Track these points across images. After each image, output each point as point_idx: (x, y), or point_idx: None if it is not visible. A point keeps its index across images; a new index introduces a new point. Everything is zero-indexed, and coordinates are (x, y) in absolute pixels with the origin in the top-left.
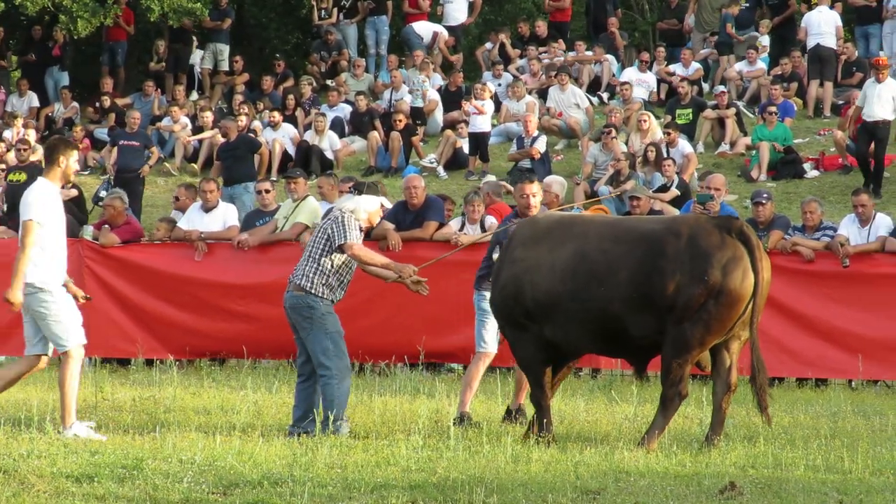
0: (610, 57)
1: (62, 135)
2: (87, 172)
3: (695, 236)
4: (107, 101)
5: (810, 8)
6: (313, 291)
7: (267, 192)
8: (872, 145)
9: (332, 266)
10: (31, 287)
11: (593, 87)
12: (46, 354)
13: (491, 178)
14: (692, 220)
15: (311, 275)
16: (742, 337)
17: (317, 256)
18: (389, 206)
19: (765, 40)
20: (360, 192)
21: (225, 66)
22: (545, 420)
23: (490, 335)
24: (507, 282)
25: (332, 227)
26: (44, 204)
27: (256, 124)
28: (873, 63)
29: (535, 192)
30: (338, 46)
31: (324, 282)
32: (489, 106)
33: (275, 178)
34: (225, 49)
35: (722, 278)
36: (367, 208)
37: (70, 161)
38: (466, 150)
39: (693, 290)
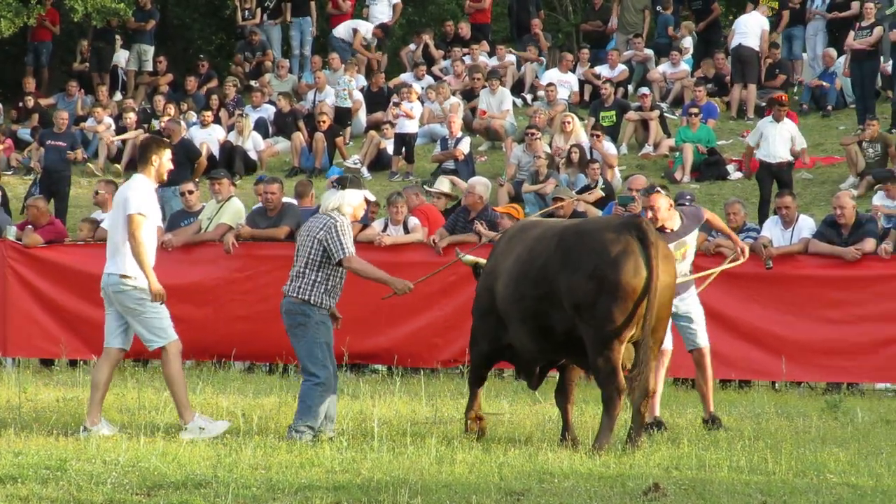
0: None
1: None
2: (10, 172)
3: (593, 232)
4: (30, 102)
5: (736, 15)
6: (313, 301)
7: (190, 192)
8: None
9: (329, 275)
10: (128, 283)
11: (517, 88)
12: (126, 349)
13: (445, 180)
14: (601, 219)
15: (309, 288)
16: (656, 346)
17: (315, 268)
18: (373, 198)
19: (687, 42)
20: (344, 187)
21: (149, 67)
22: (474, 404)
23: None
24: (479, 292)
25: (327, 238)
26: (143, 198)
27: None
28: (775, 99)
29: (660, 205)
30: (262, 47)
31: (323, 290)
32: (417, 108)
33: (197, 180)
34: (149, 50)
35: (612, 272)
36: (352, 202)
37: (163, 159)
38: (391, 150)
39: (586, 285)
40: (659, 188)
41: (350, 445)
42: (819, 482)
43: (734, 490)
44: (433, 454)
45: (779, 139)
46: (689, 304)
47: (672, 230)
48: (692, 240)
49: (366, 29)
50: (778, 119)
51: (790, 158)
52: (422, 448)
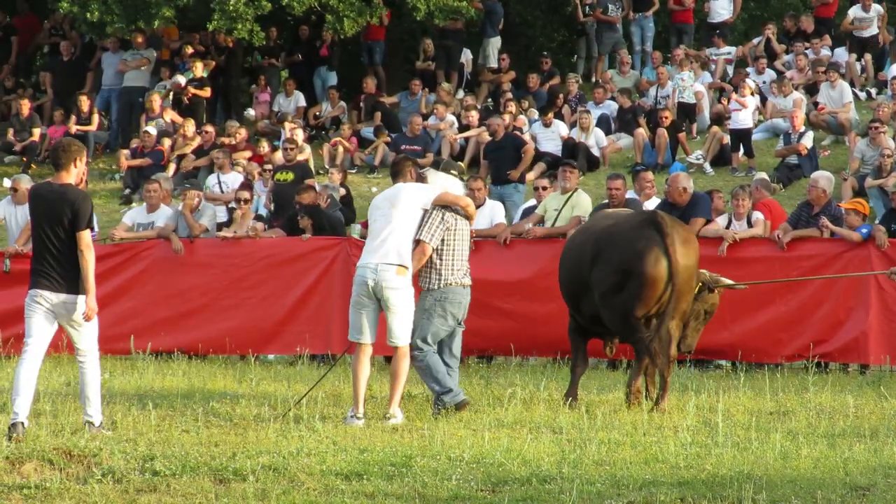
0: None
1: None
2: (354, 171)
3: (621, 233)
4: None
5: None
6: None
7: (544, 188)
8: None
9: None
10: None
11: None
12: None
13: (761, 175)
14: (632, 215)
15: None
16: (677, 318)
17: None
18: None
19: None
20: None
21: (492, 63)
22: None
23: None
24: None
25: None
26: None
27: (522, 118)
28: None
29: None
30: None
31: None
32: (751, 102)
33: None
34: (492, 42)
35: (638, 264)
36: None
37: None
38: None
39: (613, 277)
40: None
41: (694, 441)
42: None
43: None
44: (778, 449)
45: None
46: None
47: None
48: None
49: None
50: None
51: None
52: (766, 443)
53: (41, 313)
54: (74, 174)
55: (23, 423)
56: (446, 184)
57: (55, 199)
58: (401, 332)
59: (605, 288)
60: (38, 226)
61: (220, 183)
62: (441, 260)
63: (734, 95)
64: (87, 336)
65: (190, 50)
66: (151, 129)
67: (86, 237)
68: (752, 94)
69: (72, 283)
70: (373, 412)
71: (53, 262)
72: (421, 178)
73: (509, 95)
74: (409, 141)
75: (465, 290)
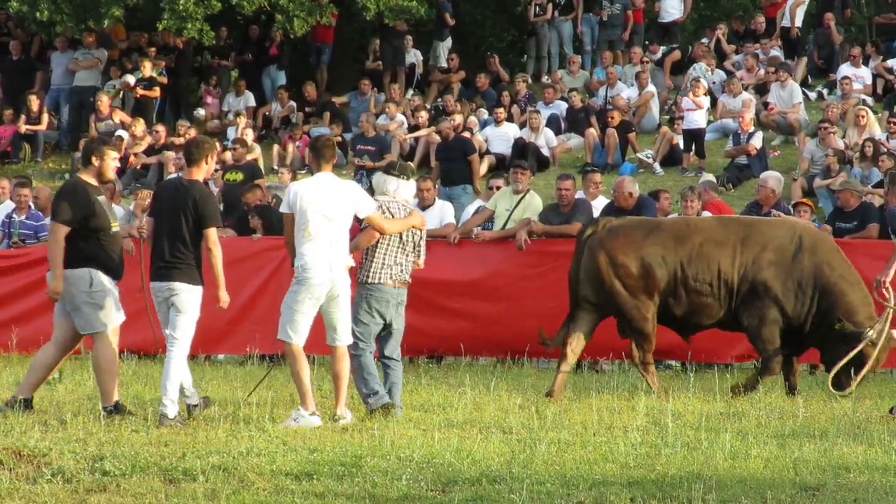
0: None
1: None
2: (304, 171)
3: None
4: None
5: None
6: None
7: (498, 188)
8: None
9: None
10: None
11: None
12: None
13: (708, 176)
14: None
15: None
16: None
17: None
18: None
19: None
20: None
21: (442, 64)
22: None
23: None
24: None
25: None
26: None
27: (473, 119)
28: None
29: None
30: None
31: None
32: (705, 102)
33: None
34: (442, 45)
35: None
36: None
37: None
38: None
39: None
40: None
41: (644, 441)
42: None
43: None
44: (727, 449)
45: None
46: None
47: None
48: None
49: None
50: None
51: None
52: (716, 443)
53: (165, 306)
54: (204, 171)
55: (197, 405)
56: (399, 186)
57: (179, 195)
58: (343, 329)
59: None
60: (158, 219)
61: None
62: (373, 254)
63: (690, 95)
64: (181, 324)
65: (153, 50)
66: (123, 134)
67: (212, 234)
68: (706, 94)
69: (177, 272)
70: (322, 413)
71: (167, 254)
72: (373, 184)
73: (451, 97)
74: (365, 141)
75: (395, 289)
